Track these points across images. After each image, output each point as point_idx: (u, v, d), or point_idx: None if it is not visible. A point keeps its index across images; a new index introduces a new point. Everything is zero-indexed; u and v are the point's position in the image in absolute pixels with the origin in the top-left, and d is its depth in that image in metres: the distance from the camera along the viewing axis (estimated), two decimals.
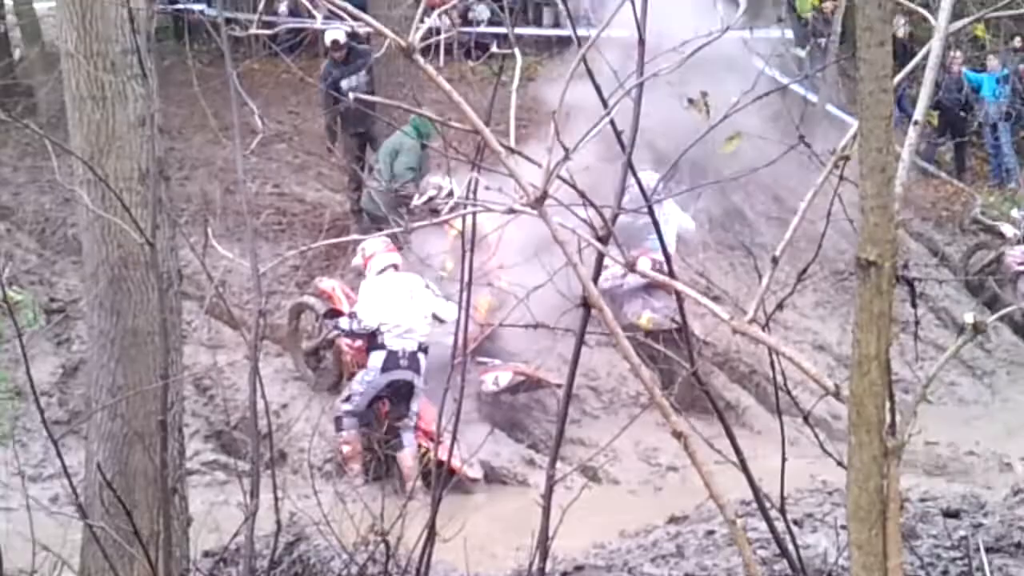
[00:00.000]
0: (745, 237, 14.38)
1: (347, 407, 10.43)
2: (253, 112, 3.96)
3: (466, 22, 18.08)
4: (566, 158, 2.71)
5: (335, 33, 12.71)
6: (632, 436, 10.45)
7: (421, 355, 10.39)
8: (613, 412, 11.79)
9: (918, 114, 2.87)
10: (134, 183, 5.77)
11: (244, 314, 10.83)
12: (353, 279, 11.48)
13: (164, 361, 4.95)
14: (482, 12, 18.05)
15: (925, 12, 3.10)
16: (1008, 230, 15.16)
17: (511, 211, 2.78)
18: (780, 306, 3.37)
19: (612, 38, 3.39)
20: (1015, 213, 15.67)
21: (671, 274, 3.46)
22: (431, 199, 11.59)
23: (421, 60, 2.69)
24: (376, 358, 10.37)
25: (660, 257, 11.91)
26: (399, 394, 10.46)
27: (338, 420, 10.44)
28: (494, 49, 16.38)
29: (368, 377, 10.40)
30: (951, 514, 6.35)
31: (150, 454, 5.36)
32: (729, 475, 3.37)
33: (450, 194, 11.46)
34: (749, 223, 14.70)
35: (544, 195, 2.69)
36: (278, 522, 4.49)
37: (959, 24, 3.13)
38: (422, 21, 2.79)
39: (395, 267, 10.73)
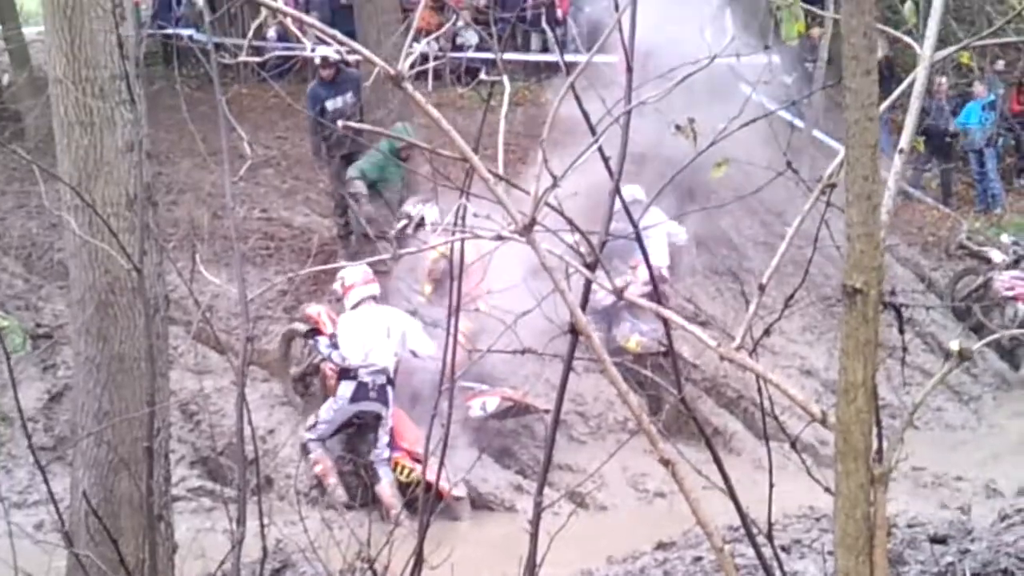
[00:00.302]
0: (733, 262, 14.42)
1: (310, 435, 10.46)
2: (241, 137, 3.96)
3: (454, 47, 18.14)
4: (554, 185, 2.72)
5: (326, 50, 12.70)
6: (620, 462, 10.45)
7: (389, 388, 10.41)
8: (601, 438, 11.78)
9: (904, 142, 2.89)
10: (122, 208, 5.77)
11: (231, 339, 10.81)
12: (335, 304, 11.50)
13: (150, 387, 4.93)
14: (470, 38, 18.12)
15: (909, 39, 3.12)
16: (996, 256, 15.21)
17: (499, 238, 2.79)
18: (767, 332, 3.37)
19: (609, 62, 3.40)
20: (1004, 238, 15.75)
21: (658, 298, 3.47)
22: (403, 228, 11.68)
23: (410, 88, 2.70)
24: (345, 388, 10.38)
25: (661, 265, 12.09)
26: (366, 425, 10.46)
27: (303, 447, 10.47)
28: (483, 76, 16.46)
29: (336, 406, 10.42)
30: (938, 540, 6.34)
31: (136, 481, 5.34)
32: (717, 501, 3.36)
33: (421, 222, 11.54)
34: (736, 248, 14.74)
35: (532, 222, 2.69)
36: (264, 549, 4.47)
37: (944, 53, 3.15)
38: (411, 47, 2.80)
39: (374, 298, 10.73)
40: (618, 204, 3.27)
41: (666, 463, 2.86)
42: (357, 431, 10.59)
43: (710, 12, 10.26)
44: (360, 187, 12.34)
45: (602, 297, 10.63)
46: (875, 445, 2.64)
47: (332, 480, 10.35)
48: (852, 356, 2.51)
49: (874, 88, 2.42)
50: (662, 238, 12.06)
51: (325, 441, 10.51)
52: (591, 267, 3.01)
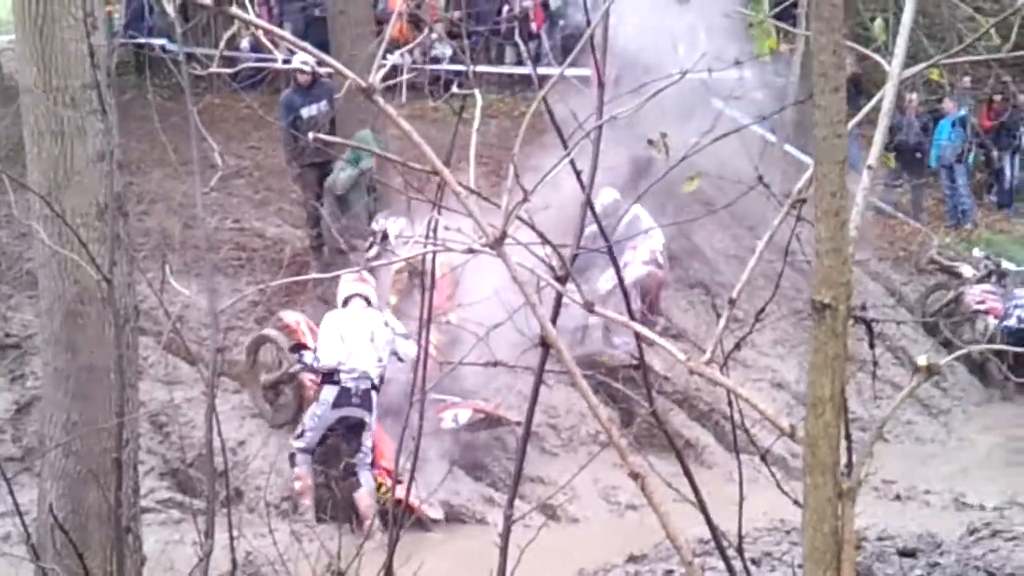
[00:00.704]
0: (705, 275, 14.46)
1: (299, 444, 10.40)
2: (213, 148, 3.95)
3: (430, 60, 18.12)
4: (525, 199, 2.72)
5: (303, 59, 12.65)
6: (591, 474, 10.44)
7: (373, 393, 10.36)
8: (572, 450, 11.78)
9: (872, 158, 2.91)
10: (92, 219, 5.74)
11: (201, 350, 10.75)
12: (312, 312, 11.46)
13: (120, 398, 4.91)
14: (446, 50, 18.12)
15: (877, 57, 3.14)
16: (967, 270, 15.35)
17: (471, 251, 2.79)
18: (738, 346, 3.38)
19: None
20: (976, 252, 15.88)
21: (631, 313, 3.47)
22: (369, 246, 11.72)
23: (381, 101, 2.70)
24: (328, 392, 10.32)
25: (657, 247, 12.53)
26: (350, 430, 10.41)
27: (291, 457, 10.42)
28: (455, 89, 16.45)
29: (319, 411, 10.36)
30: (907, 553, 6.37)
31: (104, 492, 5.30)
32: (687, 513, 3.37)
33: (384, 236, 11.55)
34: (709, 261, 14.79)
35: (503, 236, 2.70)
36: (233, 561, 4.44)
37: (913, 70, 3.17)
38: (384, 58, 2.79)
39: (366, 300, 10.69)
40: (599, 210, 3.29)
41: (635, 476, 2.86)
42: (341, 439, 10.50)
43: (683, 28, 10.33)
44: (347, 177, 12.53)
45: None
46: (844, 459, 2.65)
47: (307, 502, 10.30)
48: (820, 370, 2.52)
49: (843, 105, 2.43)
50: (658, 234, 12.25)
51: (313, 453, 10.44)
52: (562, 280, 3.02)
